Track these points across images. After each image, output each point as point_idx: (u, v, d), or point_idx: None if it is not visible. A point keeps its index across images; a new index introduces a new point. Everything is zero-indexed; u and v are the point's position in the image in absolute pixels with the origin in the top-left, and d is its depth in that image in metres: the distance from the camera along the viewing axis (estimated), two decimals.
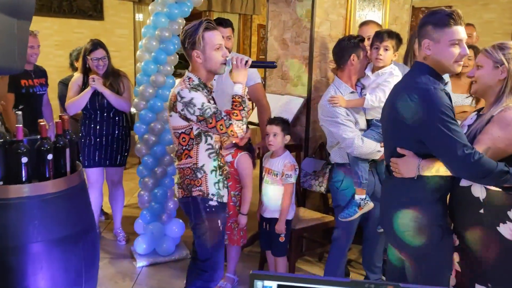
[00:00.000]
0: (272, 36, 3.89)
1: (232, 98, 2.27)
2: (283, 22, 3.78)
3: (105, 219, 4.32)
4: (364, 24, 3.27)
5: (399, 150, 1.98)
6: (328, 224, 3.30)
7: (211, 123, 2.19)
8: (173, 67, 3.51)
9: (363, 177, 2.71)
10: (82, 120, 3.64)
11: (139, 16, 7.14)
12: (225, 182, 2.44)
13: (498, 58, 1.96)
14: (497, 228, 1.91)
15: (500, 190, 1.90)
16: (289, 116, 3.43)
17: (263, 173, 3.05)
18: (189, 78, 2.31)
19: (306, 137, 3.67)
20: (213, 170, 2.36)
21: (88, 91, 3.45)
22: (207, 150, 2.33)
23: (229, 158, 2.93)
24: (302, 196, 3.63)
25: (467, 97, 3.33)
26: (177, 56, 3.54)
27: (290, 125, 3.06)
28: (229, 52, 3.29)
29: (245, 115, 2.24)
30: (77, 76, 3.61)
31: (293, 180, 2.94)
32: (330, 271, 2.97)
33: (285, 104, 3.69)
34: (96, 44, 3.49)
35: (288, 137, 2.97)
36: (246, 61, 2.29)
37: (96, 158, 3.63)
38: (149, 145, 3.46)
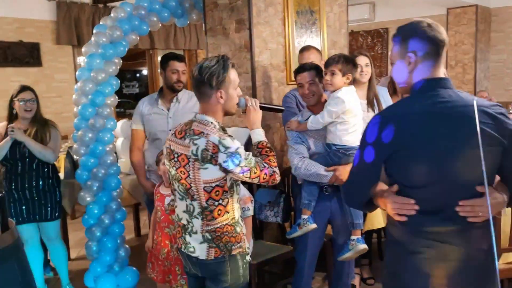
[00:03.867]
0: None
1: (259, 145, 2.10)
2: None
3: (54, 275, 4.03)
4: (303, 50, 3.31)
5: (479, 188, 1.56)
6: (288, 254, 3.21)
7: (255, 173, 1.99)
8: (112, 108, 3.38)
9: (306, 198, 2.75)
10: (3, 173, 3.38)
11: (80, 59, 6.99)
12: None
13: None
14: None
15: None
16: None
17: None
18: (211, 123, 2.03)
19: None
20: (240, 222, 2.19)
21: (6, 141, 3.24)
22: (238, 201, 2.15)
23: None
24: (259, 228, 3.53)
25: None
26: (117, 97, 3.42)
27: None
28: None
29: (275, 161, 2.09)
30: (1, 125, 3.42)
31: (251, 212, 2.85)
32: None
33: None
34: (25, 87, 3.36)
35: None
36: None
37: (25, 214, 3.34)
38: (93, 192, 3.28)
